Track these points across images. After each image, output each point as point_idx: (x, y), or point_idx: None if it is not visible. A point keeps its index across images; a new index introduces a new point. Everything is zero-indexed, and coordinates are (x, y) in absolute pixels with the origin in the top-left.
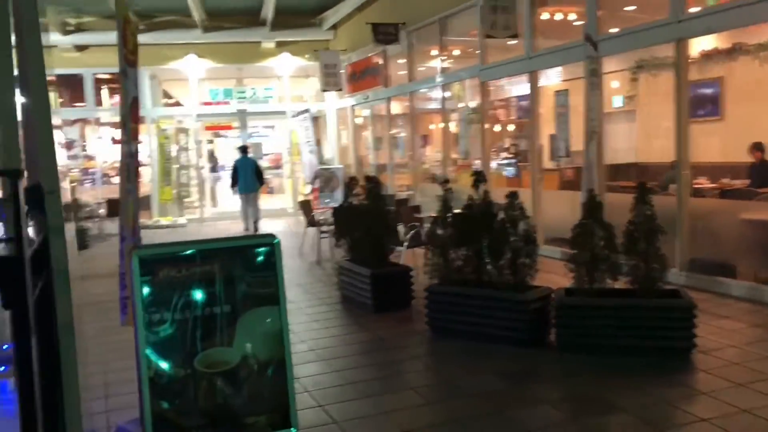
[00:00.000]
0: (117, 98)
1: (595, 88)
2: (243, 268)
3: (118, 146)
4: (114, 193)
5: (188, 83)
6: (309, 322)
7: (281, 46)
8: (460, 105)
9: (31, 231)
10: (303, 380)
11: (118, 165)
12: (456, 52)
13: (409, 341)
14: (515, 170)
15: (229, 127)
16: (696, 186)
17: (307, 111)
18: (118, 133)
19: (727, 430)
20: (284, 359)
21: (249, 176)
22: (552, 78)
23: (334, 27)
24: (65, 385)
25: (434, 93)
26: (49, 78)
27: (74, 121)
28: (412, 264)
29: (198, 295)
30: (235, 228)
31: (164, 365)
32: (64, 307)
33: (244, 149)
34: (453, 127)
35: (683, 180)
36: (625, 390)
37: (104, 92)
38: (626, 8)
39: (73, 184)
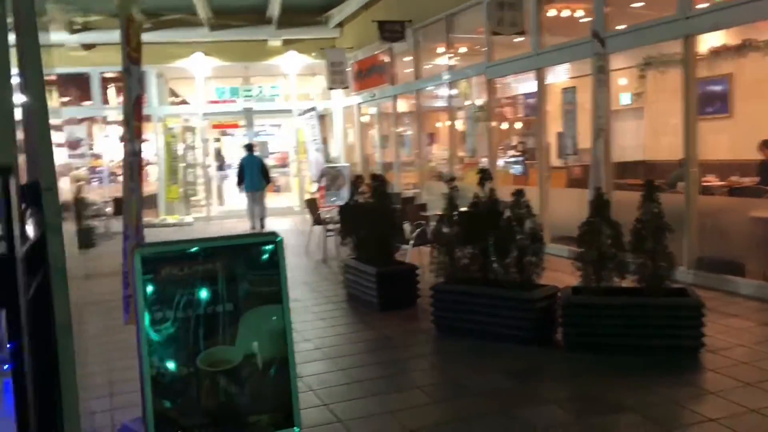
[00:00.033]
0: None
1: (602, 86)
2: (246, 266)
3: None
4: (121, 191)
5: (195, 82)
6: (315, 320)
7: (287, 44)
8: (467, 103)
9: (29, 228)
10: (308, 379)
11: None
12: (462, 50)
13: (414, 340)
14: (522, 168)
15: (235, 126)
16: (704, 184)
17: (313, 109)
18: None
19: (735, 430)
20: (287, 358)
21: (255, 174)
22: (559, 75)
23: (341, 25)
24: (63, 383)
25: (441, 91)
26: (48, 77)
27: (81, 120)
28: (418, 262)
29: (201, 293)
30: (242, 226)
31: (166, 364)
32: (62, 305)
33: (250, 147)
34: (459, 125)
35: (691, 178)
36: (632, 389)
37: (111, 91)
38: (634, 4)
39: (80, 183)
